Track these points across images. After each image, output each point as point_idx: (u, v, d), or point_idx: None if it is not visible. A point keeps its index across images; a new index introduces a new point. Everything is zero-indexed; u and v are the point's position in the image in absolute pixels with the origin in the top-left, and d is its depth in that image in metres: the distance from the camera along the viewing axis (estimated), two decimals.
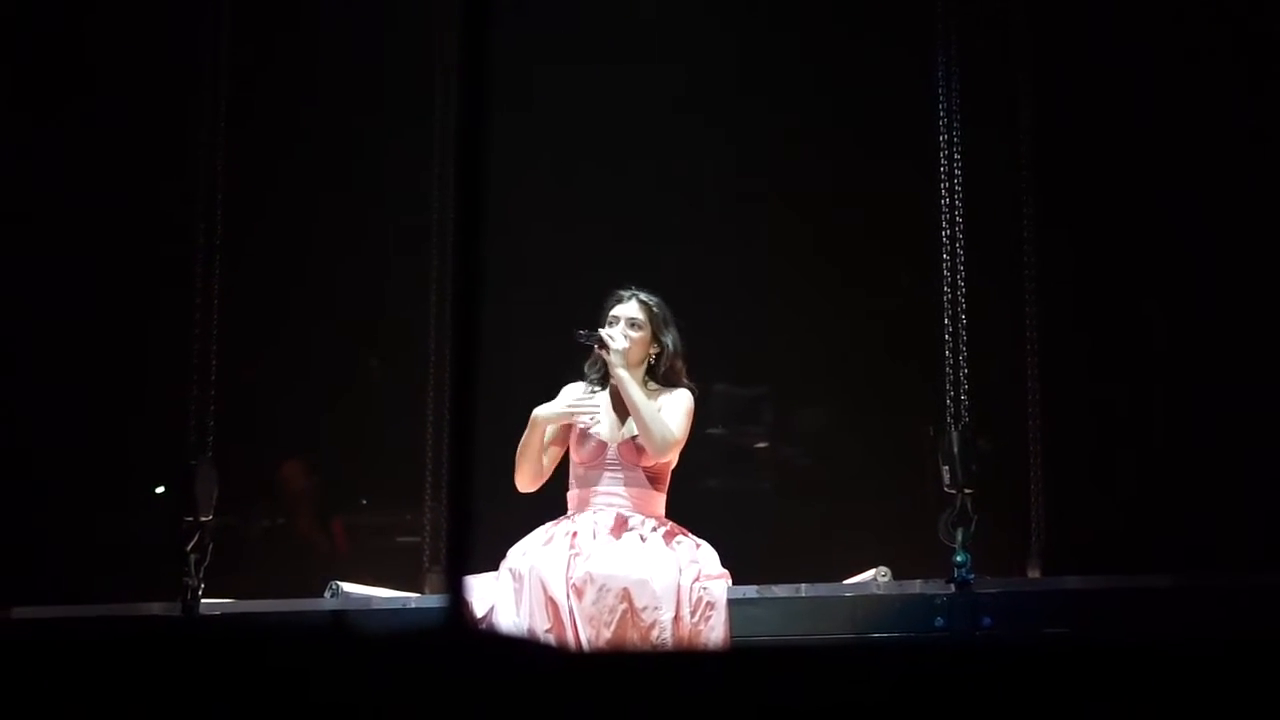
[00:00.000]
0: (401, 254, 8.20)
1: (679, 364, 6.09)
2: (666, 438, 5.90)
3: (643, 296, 6.10)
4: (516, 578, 5.61)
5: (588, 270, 7.23)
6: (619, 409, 6.04)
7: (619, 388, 5.95)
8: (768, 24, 8.14)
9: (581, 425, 5.99)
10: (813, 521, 7.96)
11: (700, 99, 8.10)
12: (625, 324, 6.05)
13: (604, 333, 5.98)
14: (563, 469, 6.06)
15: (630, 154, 8.07)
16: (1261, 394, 7.12)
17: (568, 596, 5.53)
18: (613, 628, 5.48)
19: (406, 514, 8.16)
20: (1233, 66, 7.28)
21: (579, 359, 6.13)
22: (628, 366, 5.95)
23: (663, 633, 5.49)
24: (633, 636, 5.48)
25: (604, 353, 5.97)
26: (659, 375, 6.08)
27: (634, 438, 5.96)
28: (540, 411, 5.97)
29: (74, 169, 8.11)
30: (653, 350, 6.09)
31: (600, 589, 5.53)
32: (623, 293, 6.11)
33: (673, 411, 5.97)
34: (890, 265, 7.90)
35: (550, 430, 6.03)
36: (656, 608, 5.51)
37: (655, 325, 6.08)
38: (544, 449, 6.01)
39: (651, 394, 6.01)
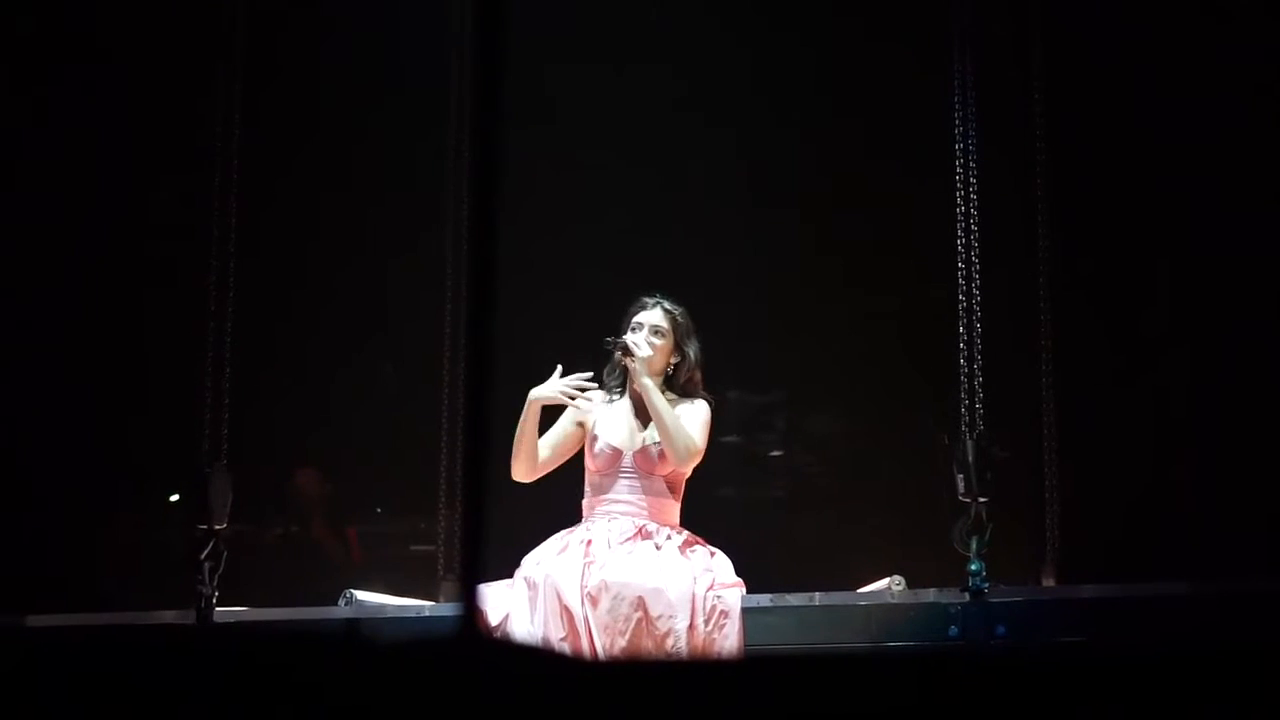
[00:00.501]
0: (416, 261, 8.19)
1: (697, 375, 6.08)
2: (689, 447, 5.90)
3: (667, 305, 6.09)
4: (531, 586, 5.60)
5: (603, 276, 7.23)
6: (636, 416, 6.03)
7: (644, 396, 5.93)
8: (772, 26, 8.12)
9: (575, 407, 5.96)
10: (827, 530, 7.95)
11: (717, 102, 8.08)
12: (649, 331, 6.03)
13: (630, 340, 5.96)
14: (577, 475, 6.05)
15: (643, 156, 8.05)
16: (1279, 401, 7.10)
17: (582, 604, 5.52)
18: (628, 636, 5.47)
19: (421, 522, 8.16)
20: (1248, 70, 7.26)
21: (597, 365, 6.12)
22: (650, 375, 5.95)
23: (678, 641, 5.48)
24: (648, 645, 5.47)
25: (629, 360, 5.96)
26: (678, 385, 6.07)
27: (649, 445, 5.95)
28: (534, 391, 5.95)
29: (86, 171, 8.12)
30: (673, 360, 6.07)
31: (615, 597, 5.52)
32: (647, 300, 6.10)
33: (692, 422, 5.96)
34: (905, 272, 7.88)
35: (561, 430, 6.02)
36: (672, 616, 5.50)
37: (678, 335, 6.07)
38: (547, 442, 5.99)
39: (670, 404, 6.00)
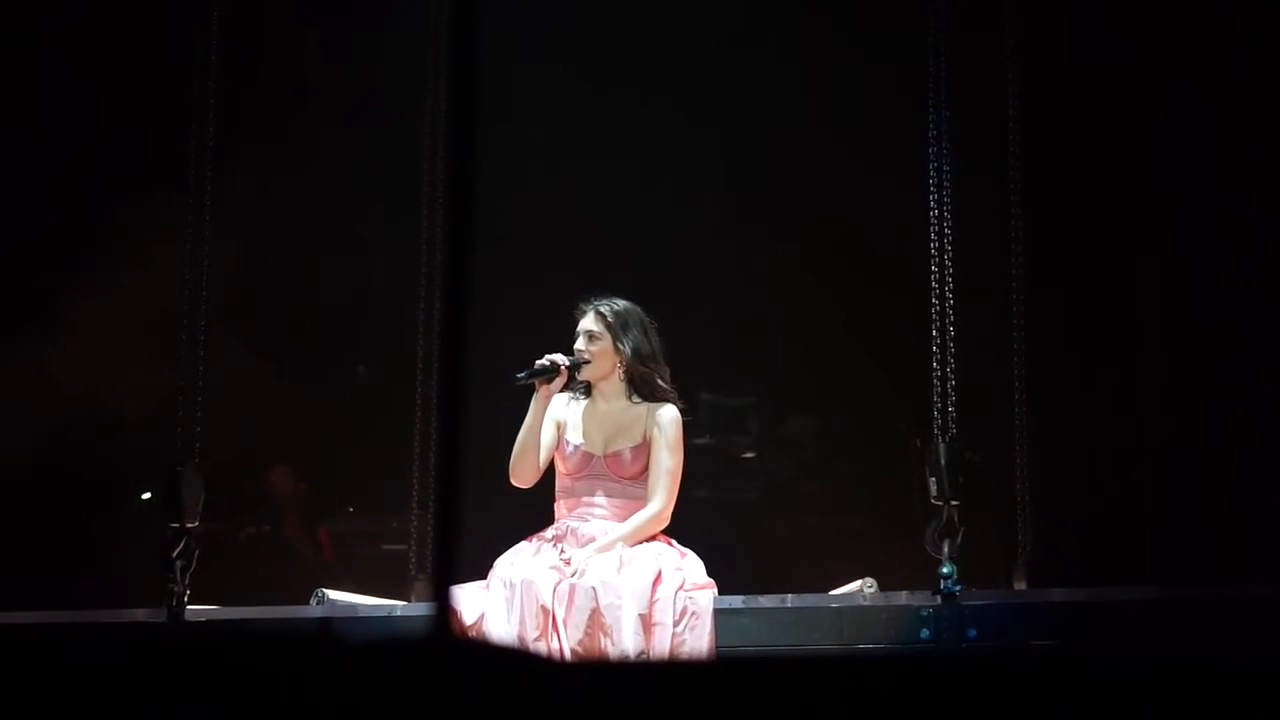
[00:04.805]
0: (390, 259, 8.18)
1: (644, 369, 5.99)
2: (661, 514, 5.89)
3: (601, 307, 6.01)
4: (508, 586, 5.58)
5: (577, 279, 7.22)
6: (604, 420, 6.00)
7: (615, 549, 5.83)
8: (750, 35, 8.13)
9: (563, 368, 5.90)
10: (799, 532, 7.96)
11: (692, 108, 8.09)
12: (584, 338, 5.98)
13: (541, 362, 5.90)
14: (548, 478, 6.03)
15: (619, 160, 8.05)
16: (1250, 408, 7.12)
17: (553, 604, 5.51)
18: (583, 628, 5.45)
19: (393, 521, 8.15)
20: (1229, 79, 7.28)
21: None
22: (599, 379, 5.94)
23: (620, 630, 5.41)
24: (599, 637, 5.44)
25: (563, 378, 5.90)
26: (637, 388, 6.02)
27: (622, 450, 5.93)
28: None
29: (55, 170, 8.11)
30: (617, 359, 6.01)
31: (580, 593, 5.50)
32: (584, 305, 6.05)
33: (657, 478, 5.91)
34: (878, 276, 7.88)
35: (546, 432, 5.99)
36: (618, 606, 5.45)
37: (613, 333, 6.01)
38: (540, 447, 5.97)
39: (634, 406, 5.98)
